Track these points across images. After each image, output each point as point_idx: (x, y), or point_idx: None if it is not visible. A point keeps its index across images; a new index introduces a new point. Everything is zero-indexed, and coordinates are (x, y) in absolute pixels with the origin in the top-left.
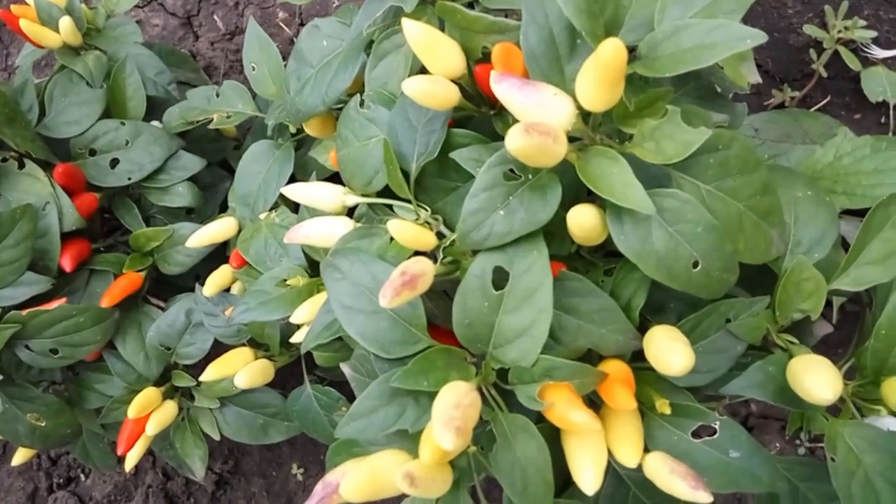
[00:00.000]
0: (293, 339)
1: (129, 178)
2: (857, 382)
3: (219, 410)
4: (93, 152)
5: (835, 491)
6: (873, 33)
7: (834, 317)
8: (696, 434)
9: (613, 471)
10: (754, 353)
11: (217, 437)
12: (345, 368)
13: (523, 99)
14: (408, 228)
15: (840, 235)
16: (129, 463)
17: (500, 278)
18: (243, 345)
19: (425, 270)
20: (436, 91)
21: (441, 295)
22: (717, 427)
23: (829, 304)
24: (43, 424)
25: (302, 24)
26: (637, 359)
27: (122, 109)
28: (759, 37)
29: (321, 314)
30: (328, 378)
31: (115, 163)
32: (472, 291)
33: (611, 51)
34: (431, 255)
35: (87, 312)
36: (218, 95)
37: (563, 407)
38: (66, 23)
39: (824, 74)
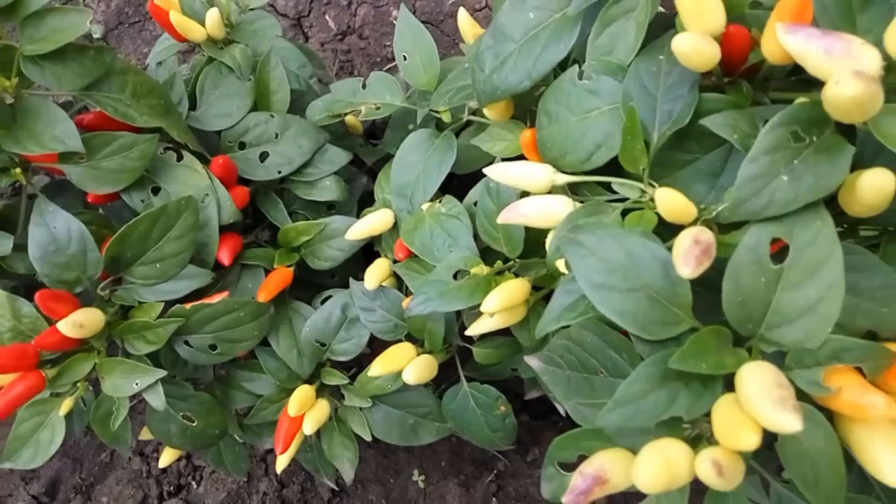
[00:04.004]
0: (469, 332)
1: (279, 172)
2: None
3: (368, 410)
4: (242, 145)
5: None
6: None
7: None
8: None
9: (858, 469)
10: None
11: (368, 438)
12: (532, 361)
13: (826, 49)
14: (675, 198)
15: None
16: (282, 464)
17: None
18: (400, 340)
19: (713, 239)
20: (705, 49)
21: None
22: None
23: None
24: (194, 424)
25: None
26: None
27: (266, 102)
28: None
29: (561, 294)
30: (476, 378)
31: (264, 156)
32: (746, 266)
33: None
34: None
35: (247, 307)
36: (364, 87)
37: (854, 392)
38: (213, 15)
39: None
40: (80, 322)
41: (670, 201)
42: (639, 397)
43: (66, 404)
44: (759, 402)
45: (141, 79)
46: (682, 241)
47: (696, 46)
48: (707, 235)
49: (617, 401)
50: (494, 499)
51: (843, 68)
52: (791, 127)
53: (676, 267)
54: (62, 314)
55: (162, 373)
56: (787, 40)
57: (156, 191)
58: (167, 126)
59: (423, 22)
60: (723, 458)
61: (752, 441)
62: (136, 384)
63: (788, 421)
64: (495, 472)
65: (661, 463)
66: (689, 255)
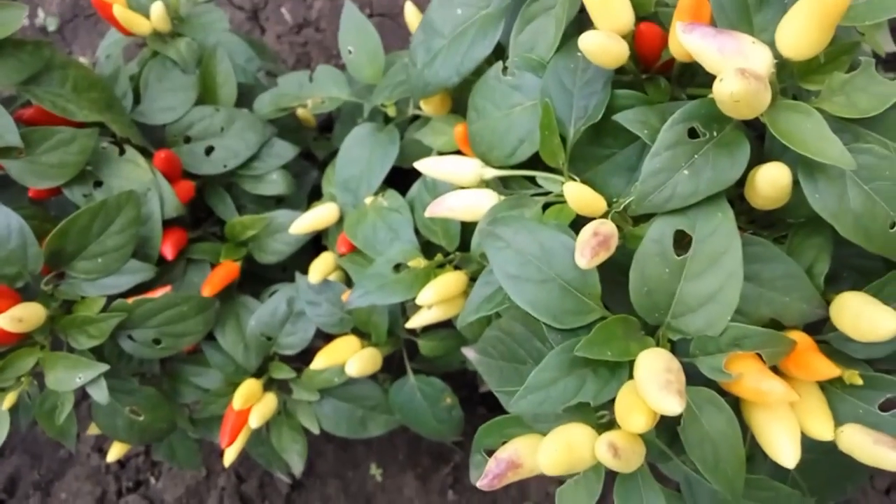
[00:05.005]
0: (409, 325)
1: (225, 166)
2: None
3: (317, 403)
4: (188, 139)
5: None
6: None
7: None
8: (883, 407)
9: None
10: None
11: (317, 431)
12: (469, 353)
13: (719, 47)
14: (583, 192)
15: None
16: (229, 458)
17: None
18: (346, 333)
19: (614, 231)
20: (611, 47)
21: None
22: None
23: None
24: (141, 418)
25: (371, 16)
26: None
27: (213, 96)
28: None
29: (480, 286)
30: (426, 370)
31: (210, 150)
32: (651, 258)
33: None
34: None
35: (191, 301)
36: (311, 80)
37: (754, 377)
38: (157, 9)
39: None
40: (18, 317)
41: (579, 195)
42: (548, 384)
43: (10, 398)
44: (647, 386)
45: (83, 73)
46: (583, 233)
47: (601, 44)
48: (607, 227)
49: (528, 388)
50: (451, 490)
51: (732, 66)
52: (690, 123)
53: (576, 257)
54: (2, 309)
55: (104, 367)
56: (684, 39)
57: (98, 185)
58: (109, 120)
59: (379, 15)
60: (620, 441)
61: (641, 423)
62: (80, 378)
63: (670, 403)
64: (453, 464)
65: (563, 446)
66: (585, 247)
